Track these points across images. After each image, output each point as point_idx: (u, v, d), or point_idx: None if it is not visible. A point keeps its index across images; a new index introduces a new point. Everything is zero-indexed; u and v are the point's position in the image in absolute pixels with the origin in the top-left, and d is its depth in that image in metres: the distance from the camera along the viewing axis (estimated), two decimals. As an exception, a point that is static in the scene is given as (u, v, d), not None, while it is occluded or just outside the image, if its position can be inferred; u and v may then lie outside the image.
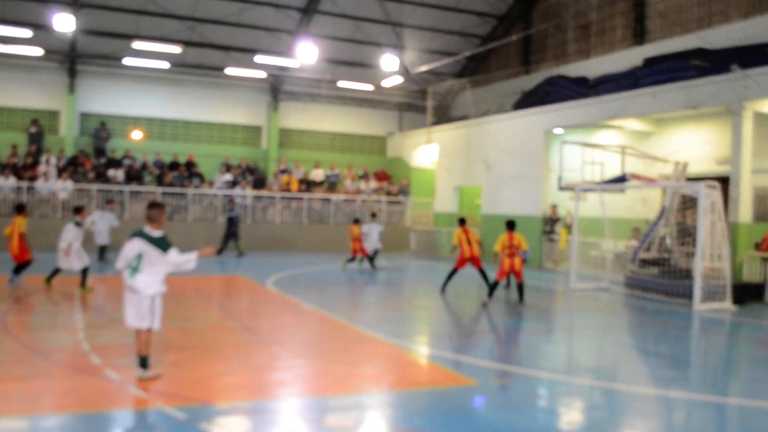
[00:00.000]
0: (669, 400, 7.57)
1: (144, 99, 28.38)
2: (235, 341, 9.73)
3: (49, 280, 14.04)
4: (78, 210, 14.47)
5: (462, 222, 15.61)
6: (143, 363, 7.23)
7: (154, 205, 7.46)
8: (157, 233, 7.34)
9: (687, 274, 15.50)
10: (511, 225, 14.08)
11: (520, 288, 14.13)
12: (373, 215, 22.07)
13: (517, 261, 13.81)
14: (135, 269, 7.25)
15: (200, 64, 28.31)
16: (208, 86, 29.36)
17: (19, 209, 14.52)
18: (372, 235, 20.79)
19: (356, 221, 20.89)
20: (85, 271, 13.84)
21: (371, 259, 20.61)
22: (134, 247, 7.26)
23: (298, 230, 27.05)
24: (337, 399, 7.08)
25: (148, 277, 7.27)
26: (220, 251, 23.04)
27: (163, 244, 7.28)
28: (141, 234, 7.30)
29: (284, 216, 27.07)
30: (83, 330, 9.79)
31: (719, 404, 7.42)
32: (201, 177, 26.87)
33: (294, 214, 27.30)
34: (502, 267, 13.86)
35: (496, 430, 6.21)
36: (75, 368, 7.77)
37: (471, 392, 7.46)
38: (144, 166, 26.39)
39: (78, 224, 13.99)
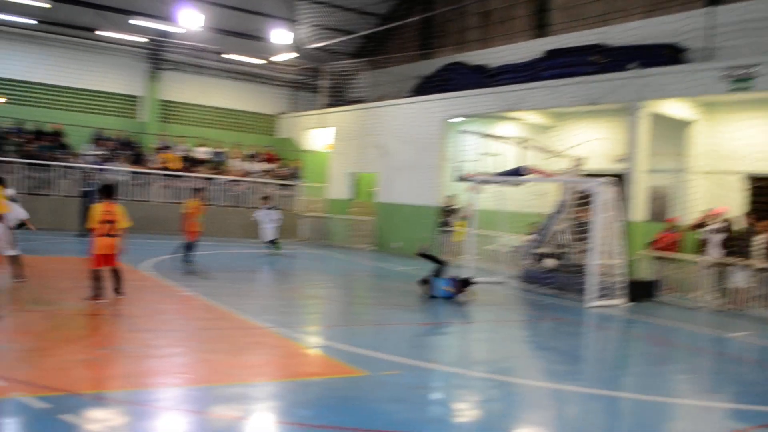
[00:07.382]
0: (560, 393, 7.93)
1: (6, 58, 26.62)
2: (104, 328, 9.39)
3: None
4: None
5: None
6: None
7: None
8: None
9: (581, 270, 16.24)
10: (108, 191, 11.25)
11: (117, 276, 11.18)
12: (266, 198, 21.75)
13: (117, 242, 10.99)
14: None
15: (71, 23, 26.90)
16: (80, 48, 27.92)
17: None
18: (265, 223, 20.79)
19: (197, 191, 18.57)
20: None
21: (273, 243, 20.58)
22: None
23: (179, 211, 26.23)
24: (216, 389, 6.97)
25: None
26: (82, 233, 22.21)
27: None
28: None
29: (164, 195, 26.19)
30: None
31: (610, 397, 7.85)
32: (70, 149, 25.58)
33: (175, 194, 26.48)
34: (98, 252, 10.87)
35: (385, 421, 6.31)
36: None
37: (361, 383, 7.53)
38: (4, 134, 24.85)
39: None
